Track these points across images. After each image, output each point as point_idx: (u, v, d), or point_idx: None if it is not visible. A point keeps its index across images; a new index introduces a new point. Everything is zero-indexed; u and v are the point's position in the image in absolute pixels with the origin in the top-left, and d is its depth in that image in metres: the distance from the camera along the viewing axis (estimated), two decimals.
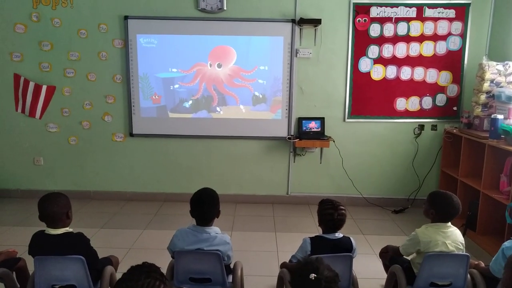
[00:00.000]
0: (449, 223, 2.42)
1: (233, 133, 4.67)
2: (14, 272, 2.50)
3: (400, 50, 4.47)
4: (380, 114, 4.60)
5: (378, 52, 4.48)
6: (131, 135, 4.69)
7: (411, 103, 4.58)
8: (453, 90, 4.54)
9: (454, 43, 4.45)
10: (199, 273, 2.33)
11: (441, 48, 4.46)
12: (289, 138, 4.57)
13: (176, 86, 4.61)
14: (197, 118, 4.64)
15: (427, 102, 4.57)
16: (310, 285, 1.46)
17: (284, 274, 2.40)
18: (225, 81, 4.60)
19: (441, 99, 4.56)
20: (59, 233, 2.21)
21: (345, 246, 2.31)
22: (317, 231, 4.03)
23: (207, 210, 2.33)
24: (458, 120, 4.54)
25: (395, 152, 4.69)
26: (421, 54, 4.48)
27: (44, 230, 2.24)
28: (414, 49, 4.47)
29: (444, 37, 4.45)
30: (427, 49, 4.47)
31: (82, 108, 4.66)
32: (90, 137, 4.72)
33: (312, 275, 1.46)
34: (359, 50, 4.48)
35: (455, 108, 4.57)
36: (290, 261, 2.72)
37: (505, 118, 3.71)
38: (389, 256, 2.69)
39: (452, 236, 2.39)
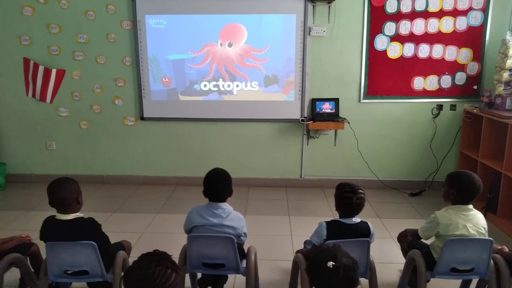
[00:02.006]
0: (471, 206, 2.32)
1: (245, 115, 4.57)
2: (27, 257, 2.49)
3: (418, 26, 4.29)
4: (397, 94, 4.45)
5: (395, 29, 4.30)
6: (142, 118, 4.64)
7: (429, 82, 4.41)
8: (473, 68, 4.35)
9: (475, 18, 4.24)
10: (212, 258, 2.28)
11: (461, 24, 4.26)
12: (302, 120, 4.46)
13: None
14: (208, 101, 4.55)
15: (446, 81, 4.40)
16: (328, 273, 1.39)
17: (299, 260, 2.34)
18: (236, 61, 4.48)
19: (460, 77, 4.38)
20: (69, 218, 2.17)
21: (363, 231, 2.23)
22: (332, 215, 3.97)
23: (220, 187, 2.31)
24: (478, 99, 4.36)
25: (412, 133, 4.55)
26: (440, 31, 4.29)
27: (55, 216, 2.20)
28: (433, 25, 4.28)
29: (464, 12, 4.24)
30: (446, 25, 4.27)
31: (92, 92, 4.60)
32: (101, 121, 4.68)
33: (330, 263, 1.39)
34: (375, 27, 4.31)
35: (475, 87, 4.39)
36: (305, 247, 2.67)
37: None
38: (408, 241, 2.60)
39: (474, 220, 2.29)
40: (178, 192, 4.60)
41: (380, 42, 4.34)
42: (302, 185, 4.72)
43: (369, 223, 2.28)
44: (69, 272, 2.22)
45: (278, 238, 3.47)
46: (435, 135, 4.52)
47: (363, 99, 4.48)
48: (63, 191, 2.14)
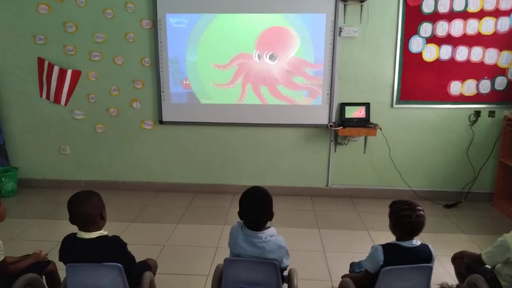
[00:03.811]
0: None
1: (269, 120, 4.32)
2: (44, 277, 2.26)
3: (456, 27, 4.01)
4: (432, 99, 4.17)
5: (432, 30, 4.03)
6: (161, 122, 4.40)
7: (467, 87, 4.13)
8: None
9: None
10: (252, 284, 2.02)
11: (504, 25, 3.98)
12: (331, 126, 4.20)
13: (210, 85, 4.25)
14: (231, 105, 4.30)
15: (485, 86, 4.12)
16: None
17: (349, 286, 2.07)
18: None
19: (501, 82, 4.10)
20: (93, 237, 1.93)
21: (424, 255, 1.96)
22: (364, 227, 3.71)
23: (259, 215, 1.99)
24: None
25: (448, 140, 4.27)
26: (479, 32, 4.01)
27: (76, 234, 1.96)
28: (472, 26, 4.00)
29: (507, 13, 3.96)
30: (487, 26, 4.00)
31: (109, 94, 4.38)
32: (118, 125, 4.46)
33: None
34: (410, 28, 4.04)
35: None
36: (352, 270, 2.40)
37: None
38: (465, 264, 2.33)
39: None
40: (198, 200, 4.36)
41: (415, 44, 4.08)
42: (329, 194, 4.45)
43: (430, 246, 2.01)
44: None
45: (310, 254, 3.20)
46: (472, 143, 4.24)
47: (396, 104, 4.21)
48: (85, 207, 1.90)
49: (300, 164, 4.43)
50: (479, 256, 2.16)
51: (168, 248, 3.28)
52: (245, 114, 4.32)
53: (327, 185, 4.47)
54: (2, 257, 2.02)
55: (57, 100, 4.40)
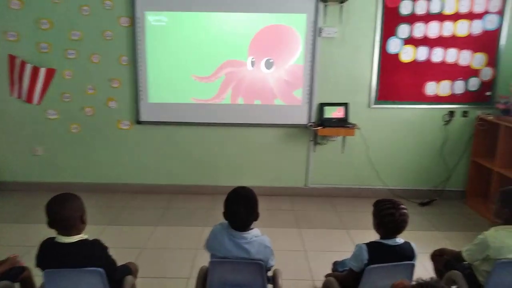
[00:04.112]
0: None
1: (249, 120, 4.30)
2: (19, 284, 2.17)
3: (433, 29, 4.11)
4: (408, 99, 4.26)
5: (409, 31, 4.11)
6: (138, 122, 4.32)
7: (442, 88, 4.23)
8: (487, 73, 4.19)
9: (491, 22, 4.09)
10: (237, 285, 2.00)
11: (477, 27, 4.10)
12: (311, 126, 4.22)
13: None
14: (210, 104, 4.26)
15: (459, 87, 4.23)
16: None
17: (333, 285, 2.08)
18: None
19: (474, 83, 4.22)
20: (73, 241, 1.86)
21: (407, 253, 1.99)
22: (343, 226, 3.74)
23: (245, 215, 1.98)
24: (491, 106, 4.21)
25: (423, 140, 4.36)
26: (454, 35, 4.12)
27: (54, 238, 1.89)
28: (448, 28, 4.10)
29: (480, 15, 4.08)
30: (461, 28, 4.10)
31: (85, 93, 4.26)
32: (94, 125, 4.34)
33: None
34: (388, 29, 4.11)
35: (488, 93, 4.24)
36: (335, 269, 2.42)
37: None
38: (444, 261, 2.38)
39: None
40: (176, 201, 4.29)
41: (393, 45, 4.15)
42: (308, 194, 4.48)
43: (412, 244, 2.04)
44: None
45: (292, 254, 3.21)
46: (446, 142, 4.35)
47: (373, 104, 4.27)
48: (65, 210, 1.84)
49: (279, 164, 4.43)
50: (459, 253, 2.21)
51: (147, 251, 3.22)
52: (224, 114, 4.28)
53: (305, 185, 4.49)
54: None
55: (29, 99, 4.24)
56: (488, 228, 2.18)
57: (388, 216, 1.96)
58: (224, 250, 1.97)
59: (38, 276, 2.20)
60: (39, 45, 4.15)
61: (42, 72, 4.17)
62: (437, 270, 2.47)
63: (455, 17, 4.09)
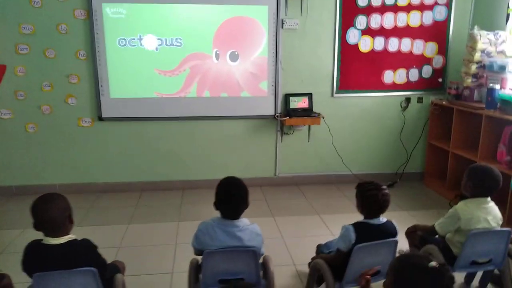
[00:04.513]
0: (489, 199, 2.30)
1: (215, 113, 4.29)
2: None
3: (388, 20, 4.31)
4: (368, 88, 4.45)
5: (366, 22, 4.28)
6: (100, 119, 4.16)
7: (398, 76, 4.46)
8: (438, 61, 4.48)
9: (440, 13, 4.36)
10: (231, 274, 2.02)
11: (428, 18, 4.36)
12: (278, 116, 4.29)
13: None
14: (176, 98, 4.20)
15: (414, 74, 4.48)
16: (429, 275, 1.21)
17: (322, 266, 2.15)
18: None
19: (427, 71, 4.49)
20: (62, 242, 1.79)
21: (390, 231, 2.11)
22: (313, 212, 3.86)
23: (237, 203, 2.00)
24: (443, 91, 4.51)
25: (383, 126, 4.58)
26: (408, 25, 4.35)
27: (41, 240, 1.80)
28: (402, 19, 4.32)
29: (430, 7, 4.34)
30: (414, 19, 4.34)
31: (41, 90, 4.04)
32: (52, 123, 4.12)
33: (434, 263, 1.22)
34: (346, 20, 4.25)
35: (440, 80, 4.53)
36: (320, 251, 2.50)
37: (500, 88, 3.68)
38: (419, 237, 2.54)
39: (493, 212, 2.28)
40: (146, 198, 4.20)
41: (352, 36, 4.31)
42: (277, 183, 4.56)
43: (394, 222, 2.17)
44: None
45: (271, 241, 3.23)
46: (404, 127, 4.60)
47: (335, 93, 4.41)
48: (52, 211, 1.76)
49: (248, 155, 4.47)
50: (432, 227, 2.37)
51: (124, 249, 3.14)
52: (191, 107, 4.24)
53: (275, 174, 4.57)
54: None
55: None
56: (445, 205, 2.36)
57: (372, 197, 2.07)
58: (217, 242, 1.98)
59: (20, 283, 2.11)
60: None
61: None
62: (413, 245, 2.63)
63: (408, 8, 4.31)
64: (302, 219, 3.72)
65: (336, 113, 4.45)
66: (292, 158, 4.54)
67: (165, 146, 4.33)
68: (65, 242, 1.80)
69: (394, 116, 4.57)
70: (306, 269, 2.62)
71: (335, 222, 3.53)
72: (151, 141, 4.29)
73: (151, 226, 3.54)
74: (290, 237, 3.33)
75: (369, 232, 2.06)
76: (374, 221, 2.10)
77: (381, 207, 2.09)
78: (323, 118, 4.29)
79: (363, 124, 4.54)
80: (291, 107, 4.32)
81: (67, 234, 1.83)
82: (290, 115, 4.22)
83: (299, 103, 4.34)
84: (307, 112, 4.29)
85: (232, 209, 2.01)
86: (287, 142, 4.49)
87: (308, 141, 4.50)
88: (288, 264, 2.91)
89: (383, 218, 2.13)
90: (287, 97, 4.33)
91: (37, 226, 1.77)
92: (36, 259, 1.78)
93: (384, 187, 2.12)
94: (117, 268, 2.14)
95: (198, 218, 3.75)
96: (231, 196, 2.00)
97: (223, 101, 4.26)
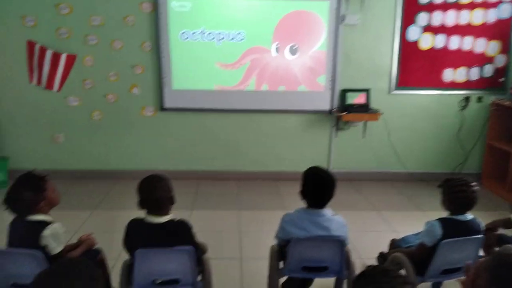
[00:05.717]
0: None
1: (272, 106, 4.35)
2: None
3: (450, 18, 4.24)
4: (426, 85, 4.40)
5: (428, 20, 4.23)
6: (162, 109, 4.30)
7: (458, 74, 4.39)
8: (500, 60, 4.37)
9: (504, 11, 4.26)
10: (316, 261, 2.07)
11: (491, 16, 4.26)
12: (334, 112, 4.31)
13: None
14: (235, 91, 4.28)
15: (475, 73, 4.40)
16: None
17: (403, 260, 2.17)
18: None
19: (488, 70, 4.40)
20: (163, 221, 1.89)
21: (476, 228, 2.11)
22: (371, 208, 3.86)
23: (329, 192, 2.05)
24: (504, 91, 4.41)
25: (440, 125, 4.52)
26: (470, 23, 4.27)
27: (143, 219, 1.91)
28: (464, 17, 4.25)
29: (495, 4, 4.24)
30: (477, 17, 4.26)
31: (107, 80, 4.21)
32: (117, 112, 4.30)
33: None
34: (408, 17, 4.22)
35: (502, 80, 4.42)
36: (398, 245, 2.52)
37: None
38: (495, 236, 2.51)
39: None
40: (204, 187, 4.31)
41: (412, 33, 4.26)
42: None
43: (478, 219, 2.16)
44: (158, 281, 1.94)
45: None
46: (462, 127, 4.52)
47: (394, 90, 4.39)
48: (159, 191, 1.87)
49: (303, 149, 4.51)
50: (509, 218, 2.34)
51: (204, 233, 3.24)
52: (248, 100, 4.31)
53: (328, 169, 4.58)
54: (63, 246, 1.92)
55: (49, 86, 4.16)
56: (506, 207, 2.31)
57: (461, 193, 2.06)
58: (304, 232, 2.03)
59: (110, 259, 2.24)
60: (58, 30, 4.06)
61: (63, 58, 4.09)
62: (487, 246, 2.59)
63: (471, 6, 4.23)
64: (361, 215, 3.74)
65: (393, 110, 4.42)
66: (346, 154, 4.55)
67: (222, 138, 4.43)
68: (166, 222, 1.90)
69: (452, 115, 4.50)
70: (374, 263, 2.64)
71: (395, 218, 3.54)
72: (209, 132, 4.40)
73: (213, 213, 3.64)
74: (353, 231, 3.34)
75: (456, 228, 2.07)
76: (461, 218, 2.10)
77: (470, 204, 2.09)
78: (382, 114, 4.27)
79: (420, 121, 4.50)
80: (347, 102, 4.32)
81: (167, 214, 1.93)
82: (346, 110, 4.23)
83: (355, 99, 4.34)
84: (364, 108, 4.29)
85: (320, 199, 2.06)
86: (342, 138, 4.50)
87: (364, 137, 4.50)
88: (355, 257, 2.93)
89: (469, 215, 2.13)
90: (344, 92, 4.34)
91: (141, 204, 1.87)
92: (138, 236, 1.89)
93: (474, 183, 2.11)
94: (204, 249, 2.23)
95: (256, 207, 3.86)
96: (320, 188, 2.04)
97: (280, 94, 4.31)
